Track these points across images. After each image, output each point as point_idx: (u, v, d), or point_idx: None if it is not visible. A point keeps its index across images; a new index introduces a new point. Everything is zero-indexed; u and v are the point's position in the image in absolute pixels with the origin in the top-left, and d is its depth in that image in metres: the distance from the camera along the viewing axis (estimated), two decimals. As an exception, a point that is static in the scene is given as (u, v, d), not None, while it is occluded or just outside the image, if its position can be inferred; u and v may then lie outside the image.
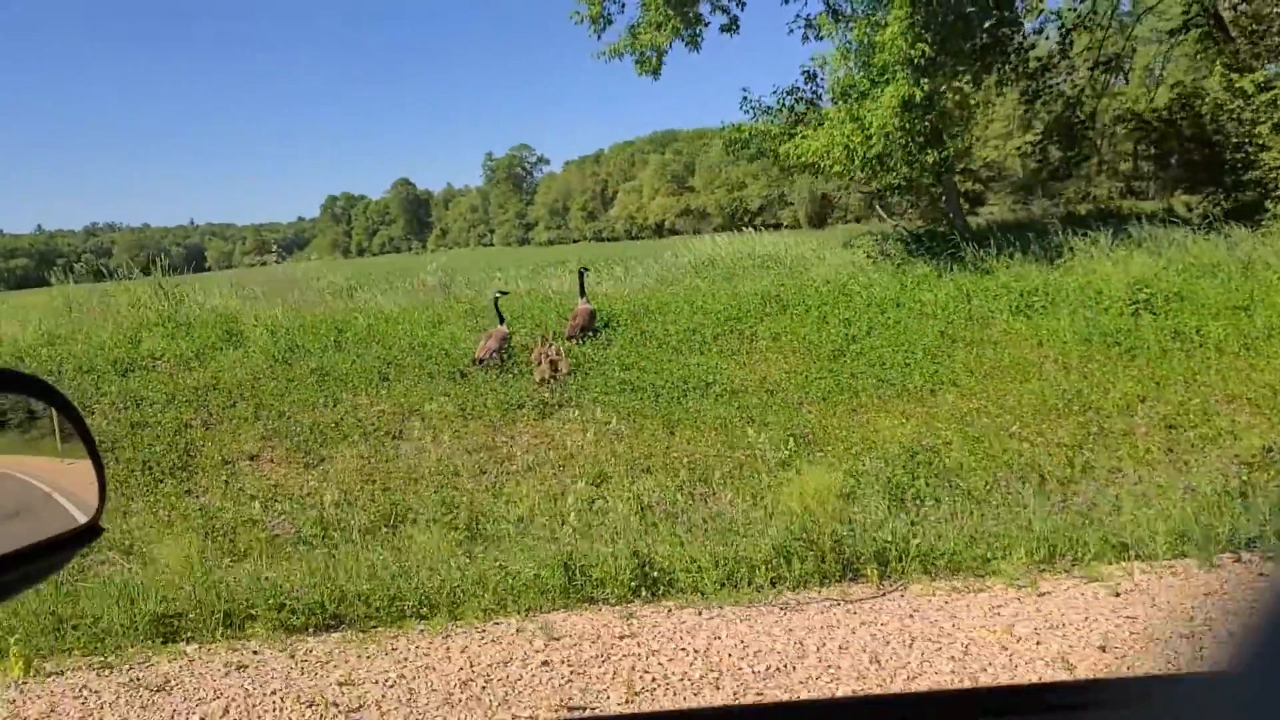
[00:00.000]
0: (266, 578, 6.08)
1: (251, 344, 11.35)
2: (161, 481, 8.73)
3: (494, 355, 10.83)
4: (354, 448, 9.38)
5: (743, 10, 15.82)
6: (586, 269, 12.83)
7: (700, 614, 5.54)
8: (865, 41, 13.44)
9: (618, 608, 5.83)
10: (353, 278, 16.05)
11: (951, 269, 13.62)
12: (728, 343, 11.59)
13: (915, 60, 12.75)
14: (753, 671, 4.63)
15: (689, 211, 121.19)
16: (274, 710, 4.37)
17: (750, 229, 18.82)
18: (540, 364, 10.64)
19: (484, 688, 4.41)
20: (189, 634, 5.76)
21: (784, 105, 15.86)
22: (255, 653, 5.41)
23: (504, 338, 11.08)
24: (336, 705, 4.38)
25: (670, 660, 4.70)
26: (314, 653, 5.28)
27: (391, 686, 4.51)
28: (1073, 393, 9.67)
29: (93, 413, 9.90)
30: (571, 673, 4.61)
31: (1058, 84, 19.25)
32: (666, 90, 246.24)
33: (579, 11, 15.43)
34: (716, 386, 10.38)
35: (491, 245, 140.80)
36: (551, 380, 10.51)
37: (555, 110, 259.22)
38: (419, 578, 6.11)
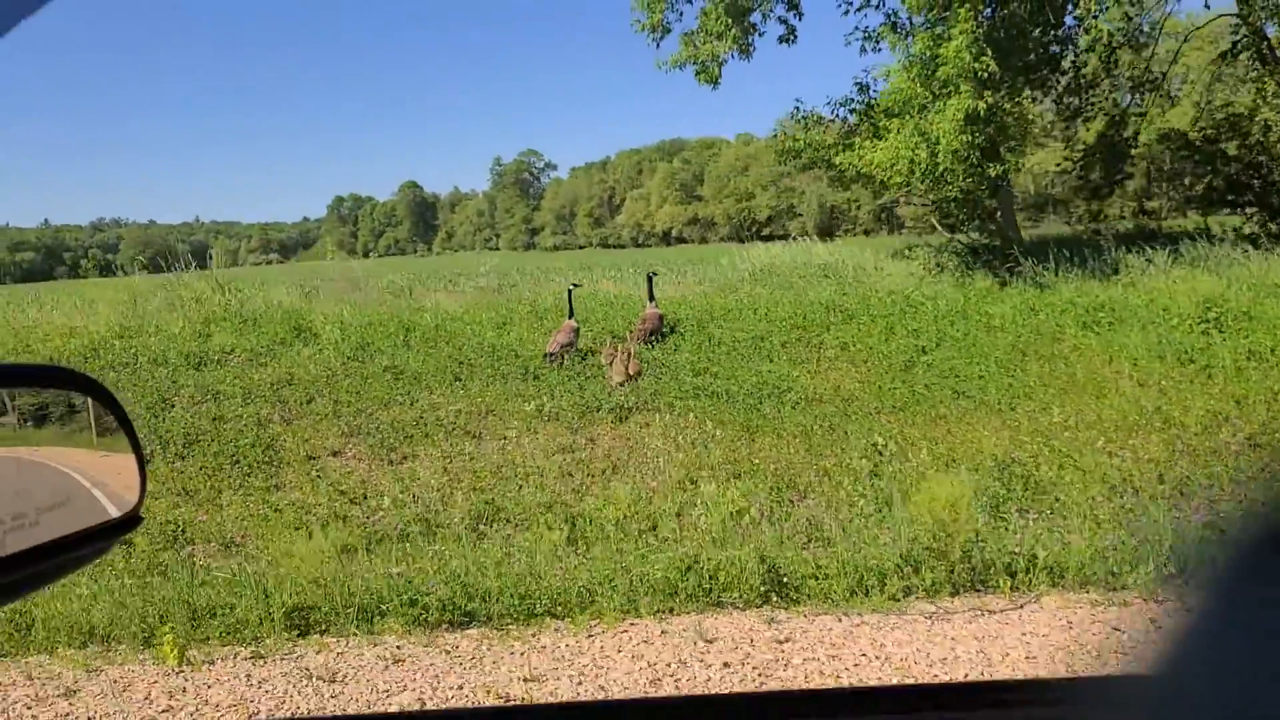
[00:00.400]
0: (398, 573, 6.08)
1: (323, 341, 11.36)
2: (250, 476, 8.73)
3: (564, 349, 10.87)
4: (436, 447, 9.39)
5: (800, 21, 15.92)
6: (655, 273, 12.87)
7: (840, 620, 5.55)
8: (928, 54, 13.48)
9: (749, 612, 5.84)
10: (412, 277, 16.06)
11: (1011, 283, 13.65)
12: (796, 351, 11.61)
13: (979, 74, 12.80)
14: (951, 679, 4.64)
15: (696, 220, 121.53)
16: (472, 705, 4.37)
17: (806, 238, 18.83)
18: (613, 366, 10.68)
19: (678, 689, 4.42)
20: (322, 627, 5.76)
21: (837, 116, 15.92)
22: (399, 647, 5.42)
23: (574, 330, 11.18)
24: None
25: (855, 665, 4.71)
26: (460, 648, 5.29)
27: (580, 685, 4.52)
28: (1152, 409, 9.69)
29: (172, 406, 9.91)
30: (760, 676, 4.62)
31: (1100, 102, 19.33)
32: (674, 100, 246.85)
33: (639, 20, 15.50)
34: (792, 394, 10.40)
35: (497, 250, 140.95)
36: (626, 383, 10.54)
37: (562, 116, 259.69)
38: (547, 577, 6.11)
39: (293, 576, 6.09)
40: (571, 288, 11.85)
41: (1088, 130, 19.79)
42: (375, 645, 5.45)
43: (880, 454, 9.08)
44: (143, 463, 1.21)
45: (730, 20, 15.15)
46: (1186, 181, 25.97)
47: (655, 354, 11.38)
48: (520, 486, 8.45)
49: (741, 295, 13.61)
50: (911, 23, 14.78)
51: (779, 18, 15.85)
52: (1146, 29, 19.14)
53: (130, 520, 1.15)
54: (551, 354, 10.84)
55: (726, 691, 5.03)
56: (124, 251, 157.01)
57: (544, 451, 9.40)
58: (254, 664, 5.11)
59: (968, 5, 12.70)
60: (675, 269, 16.63)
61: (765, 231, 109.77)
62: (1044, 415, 9.83)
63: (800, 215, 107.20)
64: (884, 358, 11.32)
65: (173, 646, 5.14)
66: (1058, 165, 22.18)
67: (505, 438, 9.69)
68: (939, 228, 16.63)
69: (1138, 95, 19.45)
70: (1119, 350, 11.07)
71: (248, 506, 8.18)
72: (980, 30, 13.12)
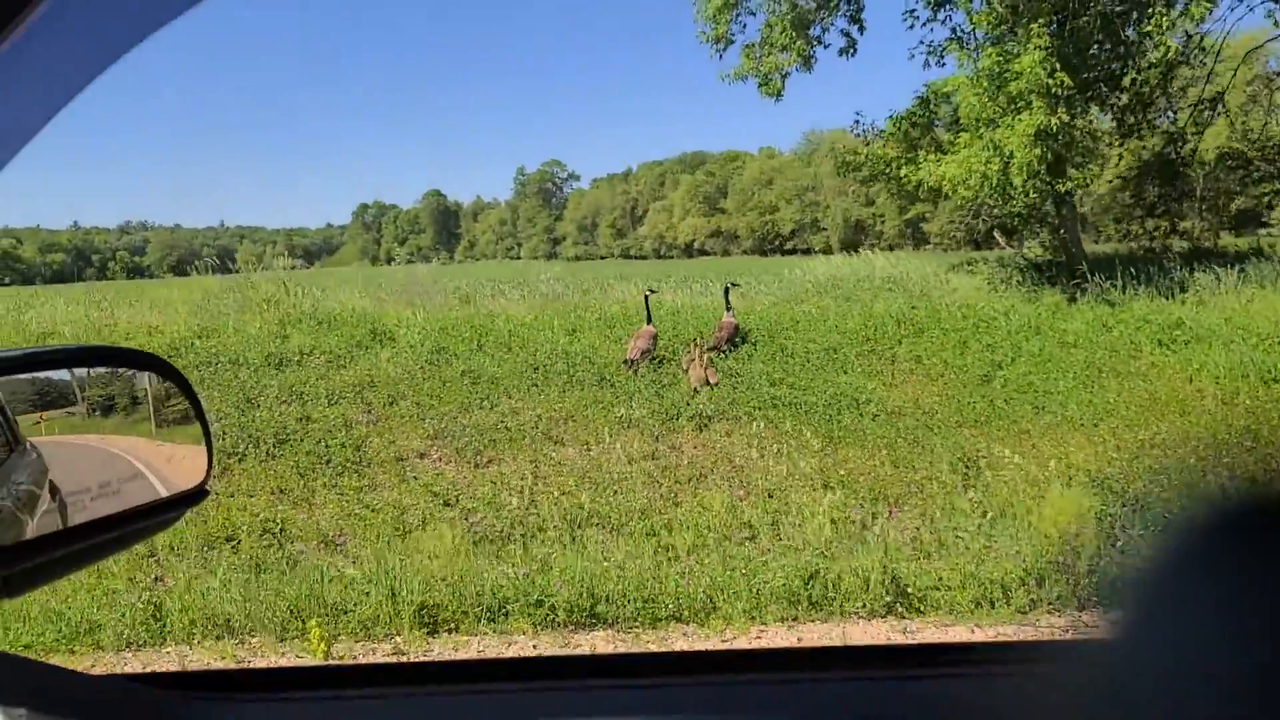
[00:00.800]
0: (524, 574, 6.12)
1: (400, 344, 11.45)
2: (341, 475, 8.80)
3: (644, 355, 10.94)
4: (520, 451, 9.44)
5: (862, 35, 15.98)
6: (735, 284, 12.93)
7: (973, 632, 5.55)
8: (997, 69, 13.48)
9: (874, 622, 5.84)
10: (473, 282, 16.16)
11: (1079, 298, 13.62)
12: (870, 363, 11.61)
13: (1052, 90, 12.81)
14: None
15: (719, 233, 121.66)
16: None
17: (867, 251, 18.83)
18: (691, 373, 10.74)
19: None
20: (451, 625, 5.81)
21: (899, 130, 15.94)
22: (534, 646, 5.45)
23: (652, 337, 11.28)
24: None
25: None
26: (601, 651, 5.31)
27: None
28: (1240, 428, 9.65)
29: (257, 406, 10.00)
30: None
31: (1156, 119, 19.28)
32: (695, 113, 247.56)
33: (704, 31, 15.60)
34: (871, 406, 10.40)
35: (519, 259, 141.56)
36: (703, 389, 10.59)
37: (585, 128, 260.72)
38: (665, 582, 6.13)
39: (418, 575, 6.13)
40: (648, 294, 11.91)
41: (1143, 147, 19.73)
42: (510, 645, 5.49)
43: (968, 467, 9.08)
44: (210, 440, 1.33)
45: (795, 33, 15.22)
46: (1220, 201, 25.90)
47: (730, 363, 11.41)
48: (615, 492, 8.47)
49: (809, 307, 13.62)
50: (978, 38, 14.79)
51: (841, 30, 15.93)
52: (1204, 47, 19.06)
53: (199, 492, 1.28)
54: (631, 360, 10.88)
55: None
56: (150, 254, 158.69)
57: (628, 458, 9.44)
58: (399, 659, 5.15)
59: (1041, 20, 12.71)
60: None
61: (789, 245, 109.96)
62: (1129, 432, 9.79)
63: (824, 229, 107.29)
64: (960, 371, 11.31)
65: (319, 640, 5.19)
66: (1110, 182, 22.09)
67: (587, 444, 9.74)
68: (1003, 242, 16.59)
69: (1195, 113, 19.36)
70: (1199, 369, 11.01)
71: (343, 506, 8.25)
72: (1054, 45, 13.13)
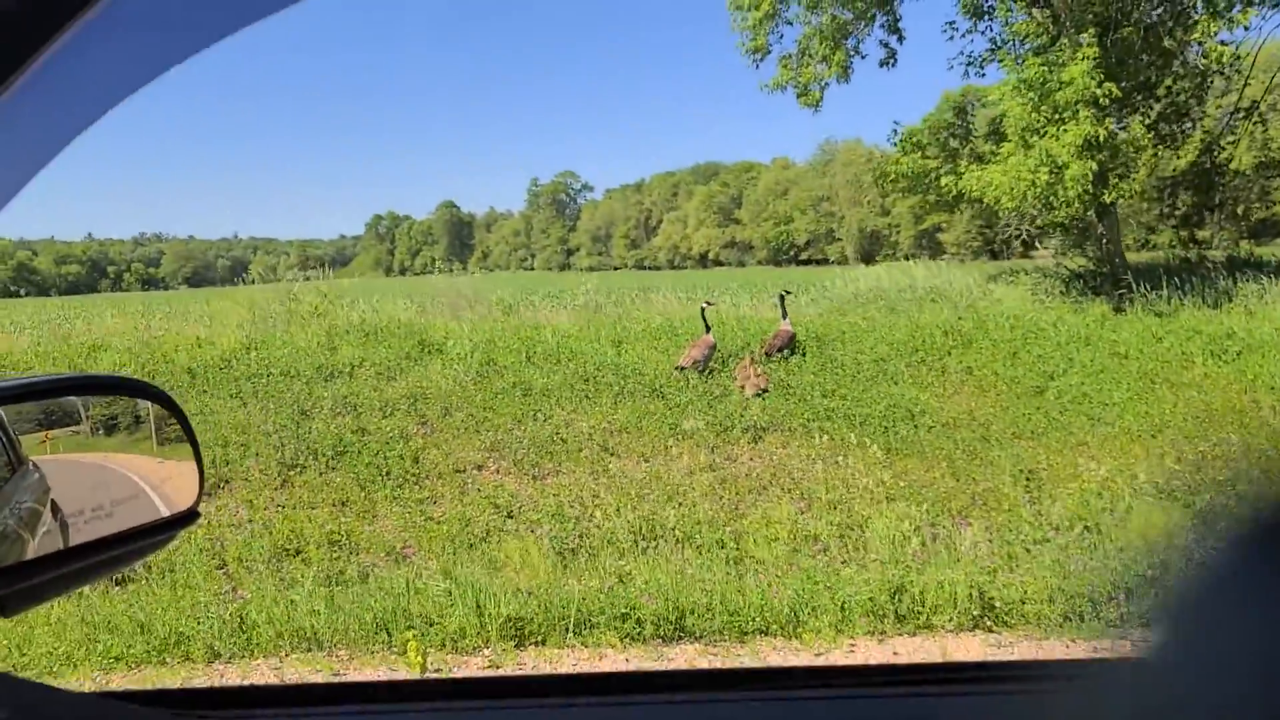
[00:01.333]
0: (610, 586, 6.11)
1: (449, 356, 11.48)
2: (401, 487, 8.81)
3: (698, 364, 11.02)
4: (578, 463, 9.44)
5: (901, 45, 15.99)
6: (788, 292, 13.00)
7: (1067, 647, 5.51)
8: (1040, 79, 13.46)
9: (962, 636, 5.81)
10: (517, 293, 16.22)
11: (1126, 309, 13.57)
12: (920, 374, 11.59)
13: (1100, 99, 12.79)
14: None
15: (734, 243, 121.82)
16: None
17: (912, 261, 18.80)
18: (743, 380, 10.80)
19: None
20: (539, 638, 5.80)
21: (938, 139, 15.93)
22: (626, 660, 5.43)
23: (710, 346, 11.48)
24: None
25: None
26: (696, 665, 5.29)
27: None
28: (1305, 440, 9.58)
29: (313, 417, 10.04)
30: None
31: (1190, 129, 19.21)
32: (708, 124, 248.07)
33: (743, 42, 15.66)
34: (926, 418, 10.36)
35: (532, 270, 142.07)
36: (756, 396, 10.63)
37: (597, 139, 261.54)
38: (751, 594, 6.11)
39: (499, 587, 6.13)
40: (705, 305, 12.06)
41: (1178, 157, 19.66)
42: (601, 658, 5.47)
43: (1030, 479, 9.03)
44: (201, 464, 1.37)
45: (834, 43, 15.26)
46: (1240, 210, 25.81)
47: (780, 374, 11.41)
48: (678, 504, 8.46)
49: (854, 318, 13.61)
50: (1018, 48, 14.79)
51: (880, 41, 15.95)
52: (1240, 56, 19.00)
53: (190, 515, 1.31)
54: (683, 367, 11.01)
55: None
56: (165, 265, 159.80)
57: (686, 470, 9.43)
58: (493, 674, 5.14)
59: (1090, 31, 12.71)
60: (768, 290, 16.65)
61: (804, 256, 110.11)
62: (1189, 444, 9.73)
63: (839, 240, 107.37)
64: (1012, 383, 11.27)
65: (416, 653, 5.19)
66: (1142, 191, 21.99)
67: (644, 455, 9.73)
68: (1045, 250, 16.55)
69: (1230, 121, 19.30)
70: (1254, 379, 10.95)
71: (406, 517, 8.25)
72: (1101, 55, 13.13)
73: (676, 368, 11.07)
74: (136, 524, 1.22)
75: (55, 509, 1.20)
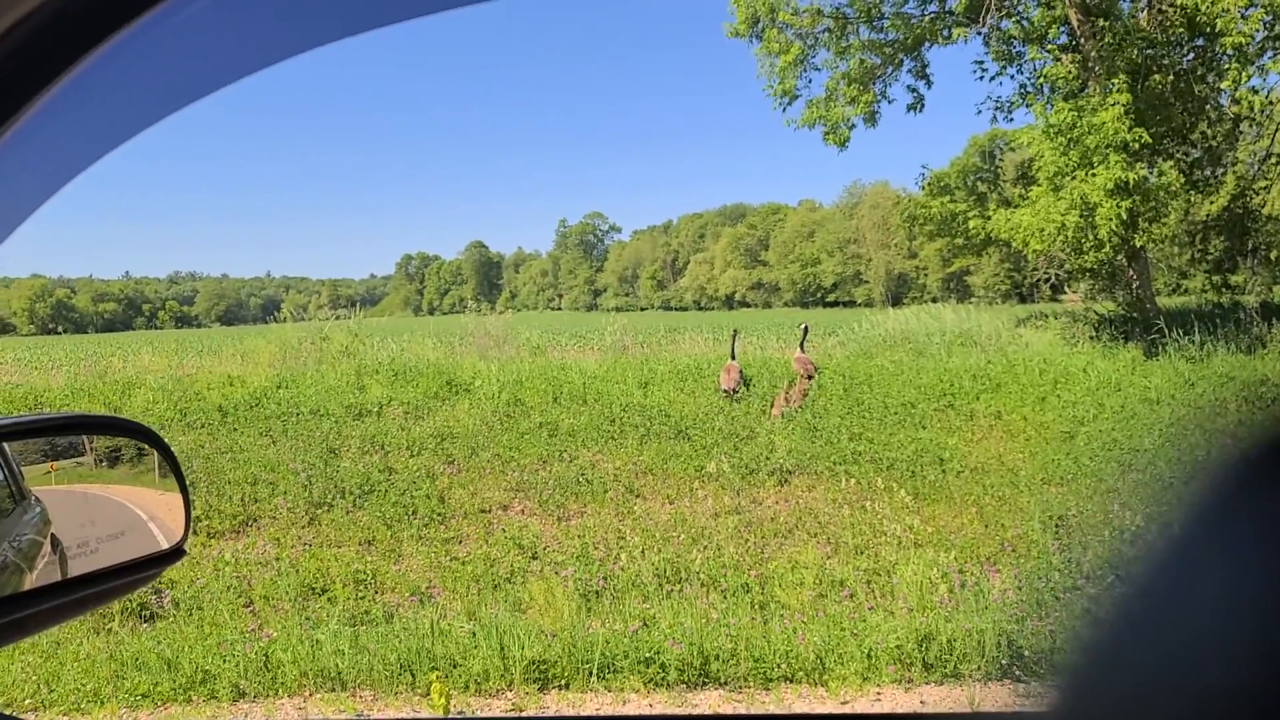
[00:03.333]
0: (635, 629, 6.09)
1: (476, 395, 11.56)
2: (427, 527, 8.85)
3: (739, 385, 11.95)
4: (603, 505, 9.45)
5: (929, 90, 16.10)
6: (807, 326, 13.33)
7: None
8: (1068, 123, 13.47)
9: (991, 686, 5.72)
10: (544, 333, 16.35)
11: (1157, 354, 13.44)
12: (948, 419, 11.51)
13: (1130, 144, 12.78)
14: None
15: (760, 285, 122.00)
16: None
17: (940, 304, 18.77)
18: (780, 404, 11.54)
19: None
20: (561, 681, 5.77)
21: (964, 183, 15.97)
22: (650, 706, 5.40)
23: (739, 370, 12.18)
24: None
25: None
26: (720, 711, 5.25)
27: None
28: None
29: (341, 456, 10.12)
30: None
31: (1222, 174, 19.12)
32: (735, 166, 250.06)
33: (772, 86, 15.83)
34: (954, 463, 10.29)
35: (559, 310, 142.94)
36: (796, 407, 11.44)
37: (625, 180, 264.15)
38: (776, 640, 6.07)
39: (523, 629, 6.12)
40: (735, 332, 13.08)
41: (1210, 202, 19.55)
42: (624, 704, 5.44)
43: (1060, 526, 8.92)
44: (189, 502, 1.39)
45: (860, 88, 15.40)
46: (1273, 255, 25.54)
47: (807, 417, 11.39)
48: (704, 547, 8.43)
49: (882, 361, 13.58)
50: (1046, 92, 14.85)
51: (908, 86, 16.08)
52: (1272, 102, 18.94)
53: (175, 552, 1.33)
54: (729, 390, 11.83)
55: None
56: (199, 304, 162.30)
57: (711, 513, 9.41)
58: (518, 715, 5.13)
59: (1122, 77, 12.75)
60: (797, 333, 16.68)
61: (830, 298, 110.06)
62: (1224, 492, 9.58)
63: (866, 282, 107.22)
64: (1041, 428, 11.17)
65: (440, 695, 5.19)
66: (1172, 235, 21.85)
67: (669, 497, 9.73)
68: (1074, 294, 16.46)
69: (1265, 167, 19.19)
70: (1291, 427, 10.78)
71: (431, 557, 8.28)
72: (1134, 100, 13.17)
73: (723, 391, 11.84)
74: (130, 558, 1.25)
75: (55, 542, 1.24)
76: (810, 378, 12.21)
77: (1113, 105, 12.62)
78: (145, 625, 6.75)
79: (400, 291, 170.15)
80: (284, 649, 6.03)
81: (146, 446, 1.42)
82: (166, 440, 1.39)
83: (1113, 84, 12.81)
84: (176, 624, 6.75)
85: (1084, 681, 0.45)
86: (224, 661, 5.89)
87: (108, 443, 1.46)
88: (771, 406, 11.46)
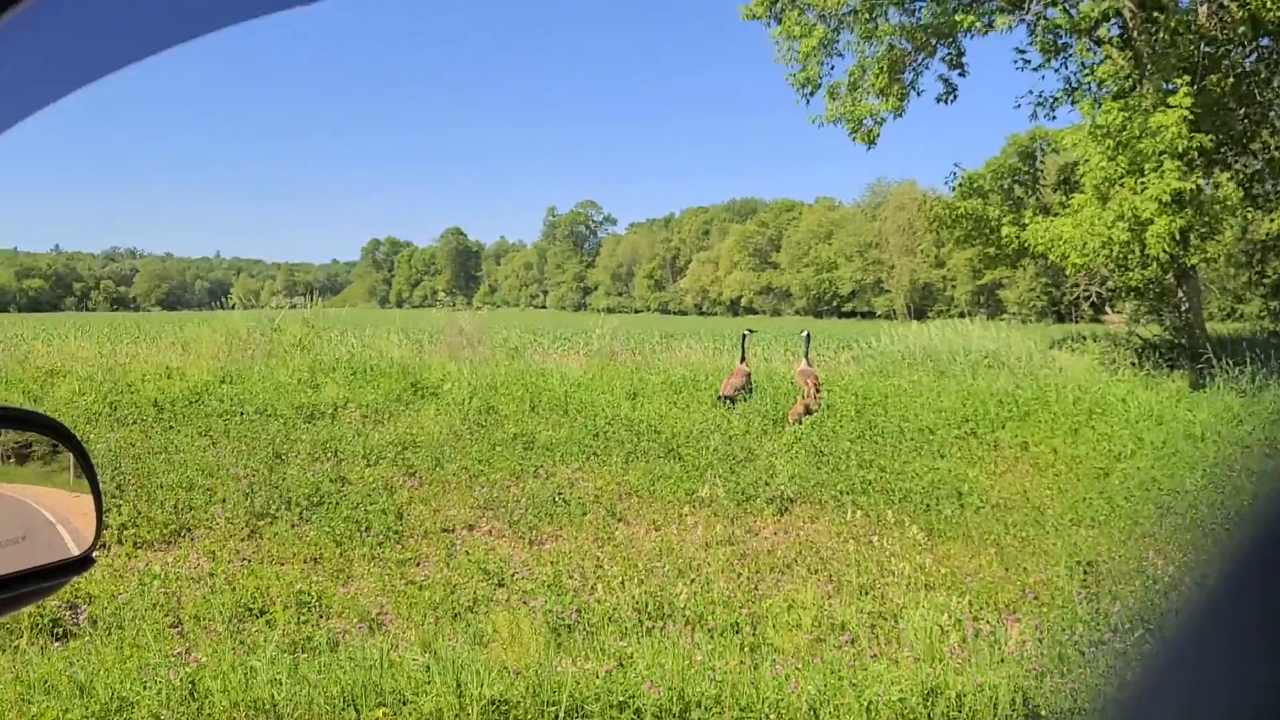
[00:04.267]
0: (609, 670, 6.10)
1: (443, 401, 11.58)
2: (381, 546, 8.85)
3: (740, 392, 11.94)
4: (580, 529, 9.46)
5: (964, 79, 16.21)
6: (809, 334, 13.50)
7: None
8: (1121, 125, 13.54)
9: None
10: (524, 333, 16.41)
11: (1205, 385, 13.53)
12: (970, 447, 11.58)
13: (1188, 152, 12.87)
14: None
15: (769, 290, 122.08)
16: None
17: (968, 320, 18.88)
18: (798, 411, 11.90)
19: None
20: (523, 725, 5.78)
21: (1000, 185, 16.06)
22: (622, 756, 5.41)
23: (746, 375, 12.34)
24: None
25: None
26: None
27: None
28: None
29: (288, 462, 10.13)
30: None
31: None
32: (746, 157, 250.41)
33: (793, 74, 15.92)
34: (974, 497, 10.34)
35: (544, 308, 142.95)
36: (809, 412, 11.78)
37: (622, 166, 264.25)
38: (765, 687, 6.08)
39: (481, 664, 6.13)
40: (746, 333, 13.23)
41: (1271, 220, 19.70)
42: (592, 751, 5.45)
43: (1088, 573, 8.97)
44: (101, 509, 1.40)
45: (889, 76, 15.49)
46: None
47: (814, 440, 11.44)
48: (690, 580, 8.45)
49: (900, 380, 13.65)
50: (1093, 90, 14.95)
51: (940, 75, 16.18)
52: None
53: (83, 561, 1.33)
54: (727, 397, 11.90)
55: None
56: (138, 285, 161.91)
57: (701, 542, 9.43)
58: (477, 762, 5.14)
59: (1184, 77, 12.85)
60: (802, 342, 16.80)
61: (847, 307, 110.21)
62: (1272, 542, 9.64)
63: (888, 291, 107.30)
64: (1072, 463, 11.24)
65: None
66: (1227, 255, 22.01)
67: (655, 523, 9.76)
68: (1117, 315, 16.56)
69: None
70: (1350, 470, 10.87)
71: (385, 580, 8.28)
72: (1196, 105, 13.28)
73: (720, 398, 11.93)
74: (33, 565, 1.25)
75: None
76: (818, 390, 12.32)
77: (1174, 108, 12.69)
78: (57, 644, 6.73)
79: (365, 280, 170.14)
80: (214, 676, 6.02)
81: (60, 445, 1.43)
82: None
83: (1175, 84, 12.90)
84: (93, 644, 6.73)
85: None
86: (145, 688, 5.87)
87: (17, 437, 1.47)
88: (791, 413, 11.89)
